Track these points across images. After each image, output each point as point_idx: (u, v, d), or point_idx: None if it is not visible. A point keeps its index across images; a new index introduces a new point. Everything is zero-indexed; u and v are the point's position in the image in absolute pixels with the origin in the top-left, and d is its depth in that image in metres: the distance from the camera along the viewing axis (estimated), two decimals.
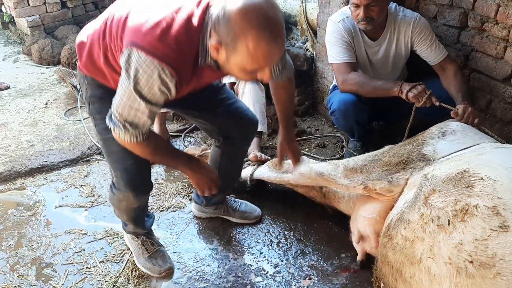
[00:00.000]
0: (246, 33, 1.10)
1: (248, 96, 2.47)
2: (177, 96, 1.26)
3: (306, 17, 2.84)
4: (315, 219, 2.06)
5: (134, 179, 1.55)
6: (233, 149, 1.84)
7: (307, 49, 2.84)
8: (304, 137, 2.70)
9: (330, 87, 2.48)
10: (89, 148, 2.62)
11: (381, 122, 2.66)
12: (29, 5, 4.02)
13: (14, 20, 4.28)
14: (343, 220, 1.95)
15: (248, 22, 1.09)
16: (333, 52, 2.20)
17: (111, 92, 1.30)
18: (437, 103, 1.94)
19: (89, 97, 1.50)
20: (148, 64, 1.15)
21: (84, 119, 2.91)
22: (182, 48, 1.19)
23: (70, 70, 3.60)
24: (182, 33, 1.18)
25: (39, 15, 4.09)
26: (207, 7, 1.20)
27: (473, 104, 2.12)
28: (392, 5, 2.18)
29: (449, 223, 1.17)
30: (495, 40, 2.10)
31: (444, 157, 1.59)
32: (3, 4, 4.32)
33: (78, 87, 3.35)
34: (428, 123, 1.83)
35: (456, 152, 1.59)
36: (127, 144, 1.30)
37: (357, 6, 2.05)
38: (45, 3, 4.05)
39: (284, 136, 1.77)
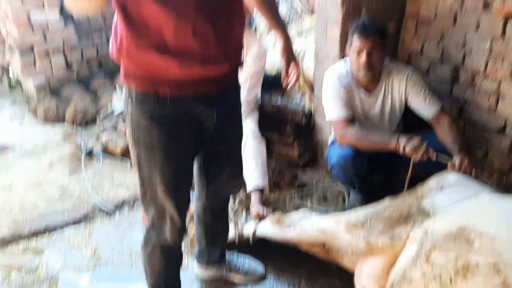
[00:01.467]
0: None
1: (249, 150, 2.52)
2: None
3: (303, 74, 2.94)
4: (319, 275, 2.04)
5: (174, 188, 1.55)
6: (216, 201, 1.87)
7: (305, 104, 2.92)
8: (304, 190, 2.72)
9: (329, 141, 2.53)
10: (92, 208, 2.64)
11: (381, 174, 2.68)
12: (35, 67, 4.17)
13: (20, 82, 4.41)
14: (347, 276, 1.93)
15: None
16: (331, 107, 2.26)
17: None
18: (434, 156, 1.97)
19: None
20: None
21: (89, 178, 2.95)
22: None
23: (74, 129, 3.69)
24: None
25: (45, 76, 4.22)
26: None
27: (470, 155, 2.16)
28: (386, 60, 2.27)
29: (451, 281, 1.18)
30: (486, 93, 2.17)
31: (443, 209, 1.61)
32: (9, 67, 4.47)
33: (82, 145, 3.42)
34: (428, 173, 1.87)
35: (454, 204, 1.61)
36: None
37: (360, 51, 2.13)
38: (51, 65, 4.19)
39: (284, 46, 1.78)
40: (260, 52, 2.66)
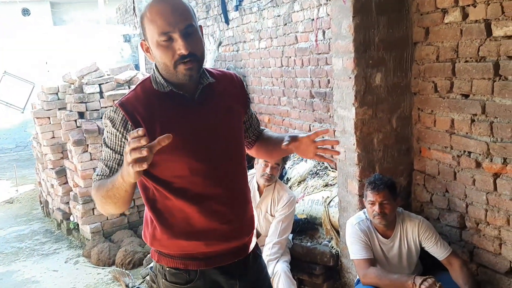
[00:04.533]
0: (146, 8, 1.41)
1: None
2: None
3: (330, 219, 3.32)
4: None
5: None
6: None
7: (332, 247, 3.24)
8: None
9: (355, 281, 2.79)
10: None
11: None
12: (93, 214, 4.74)
13: (78, 227, 4.95)
14: None
15: (147, 2, 1.41)
16: (353, 250, 2.60)
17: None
18: None
19: None
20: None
21: None
22: (135, 91, 1.49)
23: (124, 270, 4.06)
24: (138, 84, 1.54)
25: (100, 222, 4.76)
26: None
27: None
28: (399, 209, 2.65)
29: None
30: (490, 238, 2.47)
31: None
32: (71, 214, 5.07)
33: (130, 285, 3.75)
34: None
35: None
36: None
37: (373, 203, 2.52)
38: None
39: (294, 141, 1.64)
40: (289, 199, 3.10)
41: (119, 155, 1.46)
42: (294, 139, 1.62)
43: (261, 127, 1.83)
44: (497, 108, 2.32)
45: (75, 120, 4.82)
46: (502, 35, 2.25)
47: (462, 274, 2.40)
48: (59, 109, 5.05)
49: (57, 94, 5.11)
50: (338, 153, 1.74)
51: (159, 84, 1.49)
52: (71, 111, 4.86)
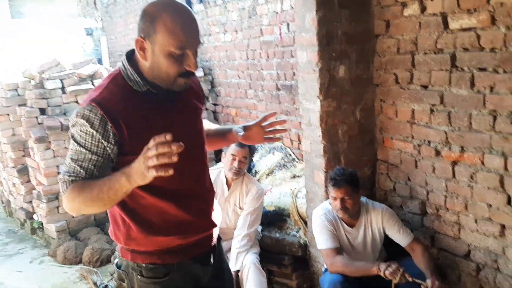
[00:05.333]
0: (162, 12, 1.35)
1: (251, 282, 2.82)
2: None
3: (297, 210, 3.38)
4: None
5: None
6: None
7: (300, 237, 3.30)
8: None
9: (323, 270, 2.86)
10: None
11: None
12: (58, 212, 4.63)
13: (42, 226, 4.84)
14: None
15: (162, 6, 1.38)
16: (320, 239, 2.65)
17: None
18: (410, 279, 2.30)
19: None
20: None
21: None
22: (108, 88, 1.44)
23: (91, 268, 4.00)
24: (107, 79, 1.49)
25: (66, 220, 4.66)
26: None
27: (443, 278, 2.49)
28: (363, 199, 2.72)
29: None
30: (450, 223, 2.57)
31: None
32: (35, 213, 4.95)
33: (98, 283, 3.70)
34: None
35: None
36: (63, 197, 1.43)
37: (335, 198, 2.58)
38: None
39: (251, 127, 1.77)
40: (258, 192, 3.13)
41: (96, 156, 1.41)
42: (245, 128, 1.74)
43: None
44: (455, 99, 2.41)
45: (36, 117, 4.68)
46: (458, 28, 2.33)
47: (423, 259, 2.49)
48: (19, 105, 4.88)
49: (16, 90, 4.94)
50: (285, 130, 1.89)
51: (134, 82, 1.47)
52: (31, 107, 4.72)
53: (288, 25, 3.86)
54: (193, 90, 1.65)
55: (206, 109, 5.17)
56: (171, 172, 1.20)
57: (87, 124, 1.39)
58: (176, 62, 1.40)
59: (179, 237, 1.57)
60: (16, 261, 4.45)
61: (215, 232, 1.74)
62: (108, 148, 1.42)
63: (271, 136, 1.79)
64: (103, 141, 1.41)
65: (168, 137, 1.19)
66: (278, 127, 1.86)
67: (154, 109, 1.49)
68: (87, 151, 1.41)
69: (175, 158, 1.19)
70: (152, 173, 1.20)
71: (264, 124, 1.76)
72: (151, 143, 1.21)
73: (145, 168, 1.22)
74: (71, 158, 1.43)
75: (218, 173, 3.19)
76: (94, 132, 1.40)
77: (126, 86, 1.47)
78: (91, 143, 1.41)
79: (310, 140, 2.95)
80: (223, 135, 1.87)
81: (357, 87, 2.85)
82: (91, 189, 1.37)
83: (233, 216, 3.16)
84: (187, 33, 1.38)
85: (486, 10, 2.18)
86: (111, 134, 1.41)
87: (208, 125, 1.88)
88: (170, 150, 1.18)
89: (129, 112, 1.44)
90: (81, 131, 1.41)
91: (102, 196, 1.35)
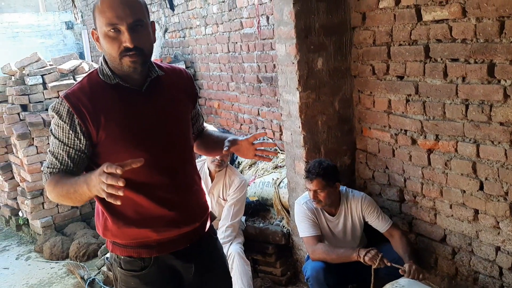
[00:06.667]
0: (97, 1, 1.45)
1: (236, 271, 2.89)
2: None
3: (280, 200, 3.44)
4: None
5: None
6: None
7: (283, 226, 3.37)
8: None
9: (305, 257, 2.93)
10: None
11: (354, 285, 3.03)
12: (43, 208, 4.63)
13: (28, 222, 4.83)
14: None
15: None
16: (302, 228, 2.72)
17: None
18: (388, 264, 2.39)
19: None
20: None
21: None
22: (81, 83, 1.53)
23: (78, 262, 4.02)
24: (85, 76, 1.57)
25: (51, 216, 4.67)
26: None
27: (421, 262, 2.58)
28: (343, 188, 2.79)
29: None
30: (426, 209, 2.66)
31: None
32: (20, 210, 4.94)
33: (85, 277, 3.73)
34: (390, 280, 2.28)
35: None
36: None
37: (309, 190, 2.66)
38: (57, 205, 4.66)
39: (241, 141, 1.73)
40: (241, 183, 3.19)
41: (67, 147, 1.50)
42: (233, 142, 1.72)
43: (204, 125, 1.92)
44: (429, 88, 2.48)
45: (18, 113, 4.65)
46: (431, 20, 2.39)
47: (402, 244, 2.58)
48: (0, 102, 4.85)
49: None
50: (276, 154, 1.90)
51: (106, 76, 1.53)
52: (13, 104, 4.68)
53: (267, 18, 3.89)
54: (178, 85, 1.67)
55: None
56: (118, 202, 1.25)
57: (57, 117, 1.50)
58: (113, 41, 1.44)
59: (153, 230, 1.58)
60: (2, 258, 4.46)
61: (204, 227, 1.74)
62: (77, 140, 1.50)
63: (261, 155, 1.77)
64: (71, 132, 1.49)
65: (119, 171, 1.22)
66: (269, 148, 1.83)
67: (121, 100, 1.53)
68: (60, 142, 1.50)
69: (121, 193, 1.23)
70: (104, 195, 1.25)
71: (255, 142, 1.73)
72: (104, 167, 1.24)
73: (98, 187, 1.27)
74: (49, 150, 1.54)
75: (202, 165, 3.24)
76: (63, 124, 1.49)
77: (98, 80, 1.54)
78: (63, 134, 1.50)
79: (290, 131, 3.01)
80: (220, 145, 1.79)
81: (335, 79, 2.91)
82: (62, 187, 1.46)
83: (217, 207, 3.22)
84: (114, 10, 1.42)
85: (457, 2, 2.25)
86: (78, 126, 1.49)
87: (211, 132, 1.92)
88: (116, 183, 1.21)
89: (94, 104, 1.49)
90: (54, 123, 1.52)
91: (70, 196, 1.44)
